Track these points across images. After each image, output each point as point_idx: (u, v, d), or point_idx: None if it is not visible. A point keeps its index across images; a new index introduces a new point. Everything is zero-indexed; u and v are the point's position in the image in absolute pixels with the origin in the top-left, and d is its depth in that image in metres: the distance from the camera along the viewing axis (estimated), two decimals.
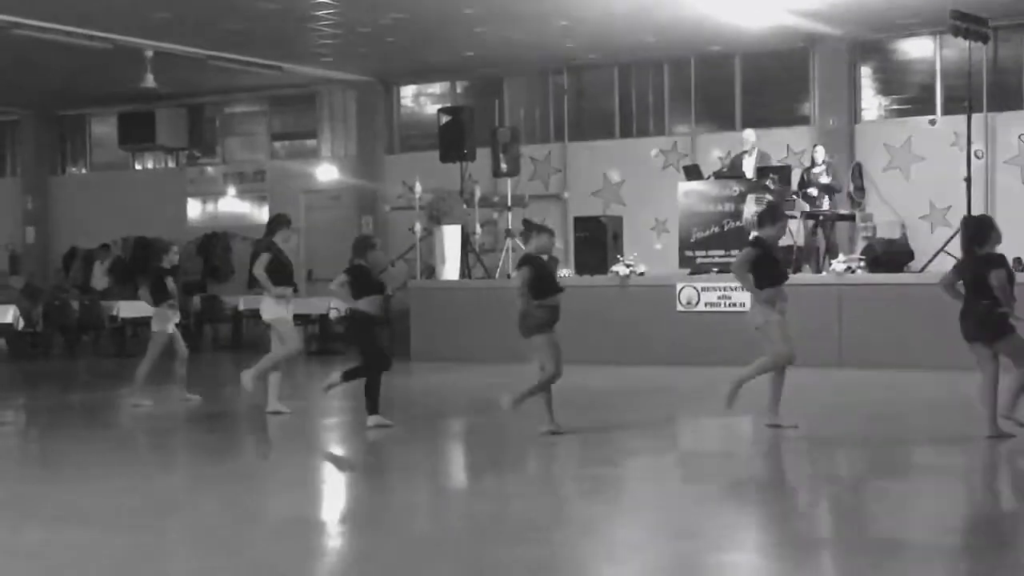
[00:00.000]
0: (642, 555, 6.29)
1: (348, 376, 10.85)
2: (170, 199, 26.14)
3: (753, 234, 10.82)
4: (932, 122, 19.02)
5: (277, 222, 12.24)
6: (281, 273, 11.80)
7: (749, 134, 17.73)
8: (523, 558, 6.13)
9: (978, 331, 9.45)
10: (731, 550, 6.41)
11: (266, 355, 11.72)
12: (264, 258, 11.76)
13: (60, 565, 6.12)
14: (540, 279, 9.95)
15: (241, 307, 20.74)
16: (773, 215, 10.87)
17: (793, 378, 11.17)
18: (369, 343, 10.95)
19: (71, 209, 27.35)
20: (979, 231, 9.71)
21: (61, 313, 20.13)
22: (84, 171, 28.16)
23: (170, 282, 13.10)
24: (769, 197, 16.26)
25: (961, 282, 9.68)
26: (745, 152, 17.52)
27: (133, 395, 12.87)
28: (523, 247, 11.07)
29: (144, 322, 21.12)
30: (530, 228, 10.40)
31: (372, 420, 10.68)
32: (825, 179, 17.45)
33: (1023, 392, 9.44)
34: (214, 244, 25.11)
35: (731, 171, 17.46)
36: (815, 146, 18.06)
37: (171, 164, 27.03)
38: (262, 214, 25.59)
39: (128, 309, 20.08)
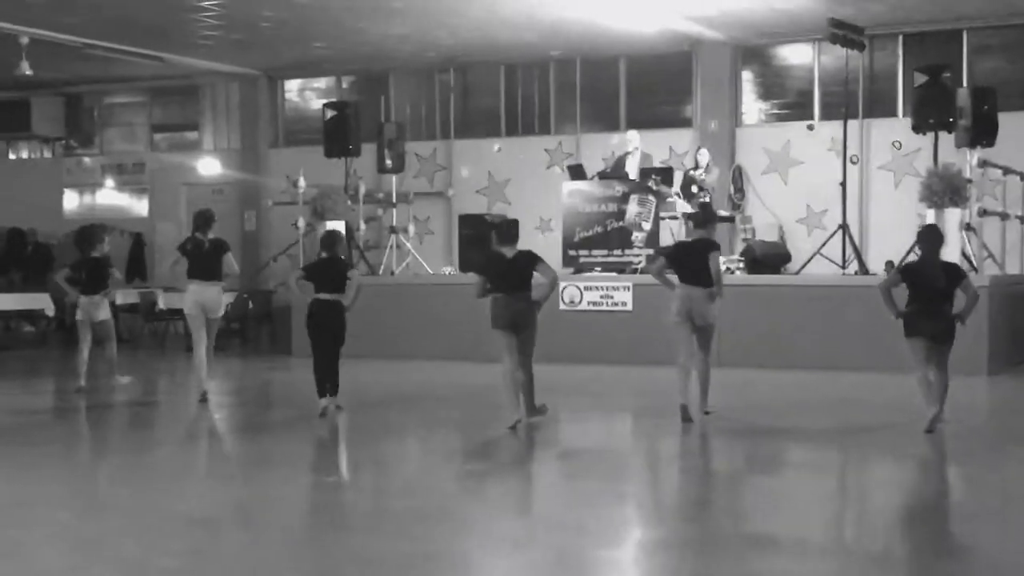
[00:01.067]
0: (524, 550, 6.32)
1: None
2: (46, 190, 25.58)
3: (700, 234, 11.07)
4: (810, 127, 19.46)
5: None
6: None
7: (633, 135, 17.92)
8: (402, 552, 6.13)
9: (950, 335, 10.06)
10: (611, 547, 6.48)
11: None
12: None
13: None
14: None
15: (119, 301, 20.27)
16: (712, 217, 11.52)
17: (667, 377, 11.33)
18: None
19: None
20: (940, 239, 10.51)
21: None
22: None
23: (115, 272, 13.75)
24: (651, 198, 16.47)
25: (903, 285, 10.20)
26: (628, 153, 17.72)
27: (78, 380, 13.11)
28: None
29: (20, 315, 20.80)
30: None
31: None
32: (708, 179, 17.68)
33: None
34: (91, 236, 24.53)
35: (614, 171, 17.63)
36: (699, 148, 18.31)
37: (47, 154, 26.43)
38: (142, 206, 25.21)
39: (1, 302, 19.60)
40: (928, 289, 10.08)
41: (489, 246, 11.33)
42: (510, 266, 10.49)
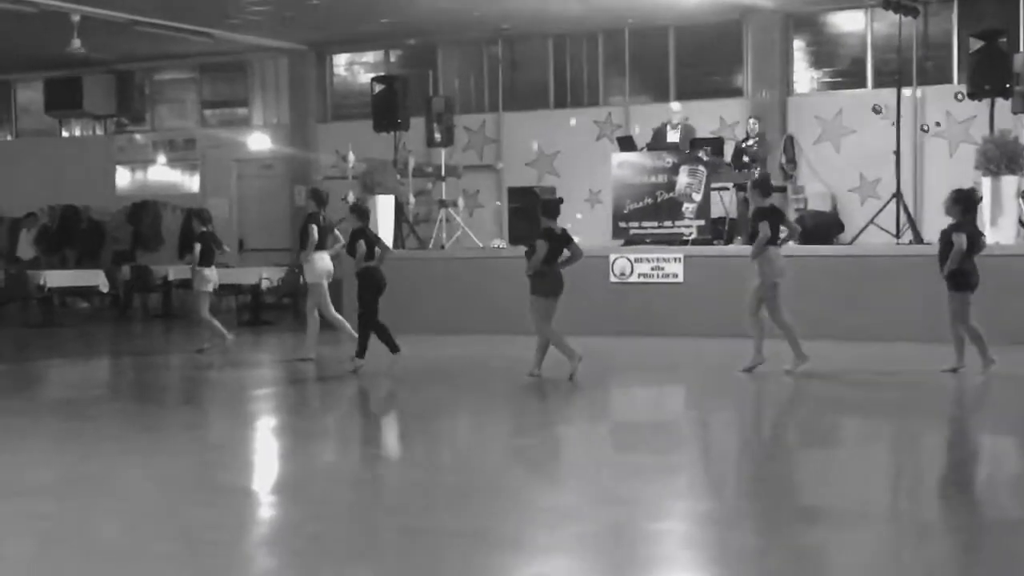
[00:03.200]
0: (574, 523, 6.35)
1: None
2: (98, 167, 25.80)
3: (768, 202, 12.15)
4: (876, 110, 19.01)
5: None
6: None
7: (675, 107, 17.84)
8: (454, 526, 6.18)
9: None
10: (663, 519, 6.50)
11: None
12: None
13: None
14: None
15: (171, 276, 20.50)
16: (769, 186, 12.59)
17: (728, 348, 11.37)
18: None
19: None
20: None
21: None
22: (10, 138, 27.71)
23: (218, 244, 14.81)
24: (702, 169, 16.40)
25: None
26: (668, 124, 17.61)
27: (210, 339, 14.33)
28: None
29: (71, 292, 21.06)
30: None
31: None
32: (760, 150, 17.58)
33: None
34: (143, 213, 24.84)
35: (654, 143, 17.54)
36: (749, 119, 18.18)
37: (99, 131, 26.65)
38: (193, 182, 25.39)
39: (56, 279, 19.83)
40: (976, 248, 11.42)
41: (538, 221, 11.66)
42: (560, 240, 11.42)
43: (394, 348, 12.40)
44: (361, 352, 12.28)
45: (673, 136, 17.23)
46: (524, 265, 11.63)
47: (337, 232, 13.61)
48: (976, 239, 11.65)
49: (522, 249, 12.07)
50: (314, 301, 13.55)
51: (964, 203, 11.68)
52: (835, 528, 6.06)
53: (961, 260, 11.38)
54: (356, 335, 12.51)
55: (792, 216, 17.93)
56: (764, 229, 11.67)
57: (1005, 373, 11.61)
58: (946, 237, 11.63)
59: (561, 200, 12.10)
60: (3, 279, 19.89)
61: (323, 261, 13.41)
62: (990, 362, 11.50)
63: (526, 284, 11.71)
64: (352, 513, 6.66)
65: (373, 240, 12.61)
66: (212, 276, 14.60)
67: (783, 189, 18.55)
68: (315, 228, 13.32)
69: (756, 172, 17.41)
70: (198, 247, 14.48)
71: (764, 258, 11.77)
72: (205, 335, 14.66)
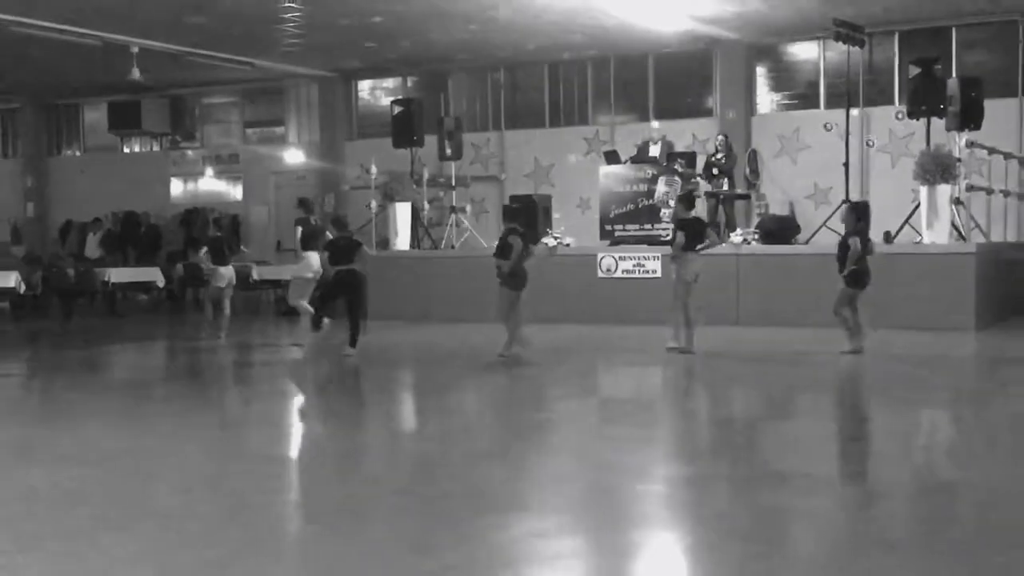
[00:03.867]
0: (568, 485, 6.32)
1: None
2: (155, 178, 25.85)
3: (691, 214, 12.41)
4: (828, 128, 18.95)
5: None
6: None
7: (656, 125, 17.82)
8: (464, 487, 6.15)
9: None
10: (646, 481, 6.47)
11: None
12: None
13: (59, 500, 6.03)
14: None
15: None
16: (692, 201, 12.72)
17: (706, 335, 11.39)
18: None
19: (66, 187, 26.94)
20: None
21: (58, 279, 19.75)
22: (78, 153, 27.71)
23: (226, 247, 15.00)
24: (678, 179, 16.35)
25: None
26: (650, 140, 17.56)
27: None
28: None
29: (132, 287, 21.05)
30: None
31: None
32: (728, 162, 17.53)
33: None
34: (195, 218, 24.83)
35: (639, 156, 17.50)
36: (718, 135, 18.15)
37: (155, 148, 26.64)
38: (237, 192, 25.37)
39: (118, 275, 19.83)
40: (867, 252, 11.69)
41: (536, 225, 11.81)
42: (526, 239, 11.91)
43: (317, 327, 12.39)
44: (353, 341, 12.23)
45: (655, 150, 17.18)
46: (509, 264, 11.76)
47: (328, 234, 13.07)
48: (867, 244, 11.81)
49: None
50: (296, 292, 13.51)
51: (857, 213, 12.02)
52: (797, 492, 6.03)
53: (857, 261, 11.60)
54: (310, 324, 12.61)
55: (754, 220, 17.93)
56: (679, 237, 11.97)
57: (899, 354, 11.60)
58: (843, 243, 11.88)
59: (522, 208, 12.55)
60: (74, 276, 19.87)
61: (309, 259, 13.22)
62: (859, 349, 11.74)
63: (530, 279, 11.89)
64: (371, 480, 6.63)
65: (349, 248, 12.30)
66: (227, 274, 14.74)
67: (747, 197, 18.52)
68: (300, 230, 13.43)
69: (724, 182, 17.40)
70: (204, 249, 14.83)
71: (681, 261, 12.01)
72: (211, 324, 14.84)
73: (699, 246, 12.13)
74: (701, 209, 17.01)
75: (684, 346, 11.91)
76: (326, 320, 12.40)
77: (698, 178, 17.03)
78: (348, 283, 12.14)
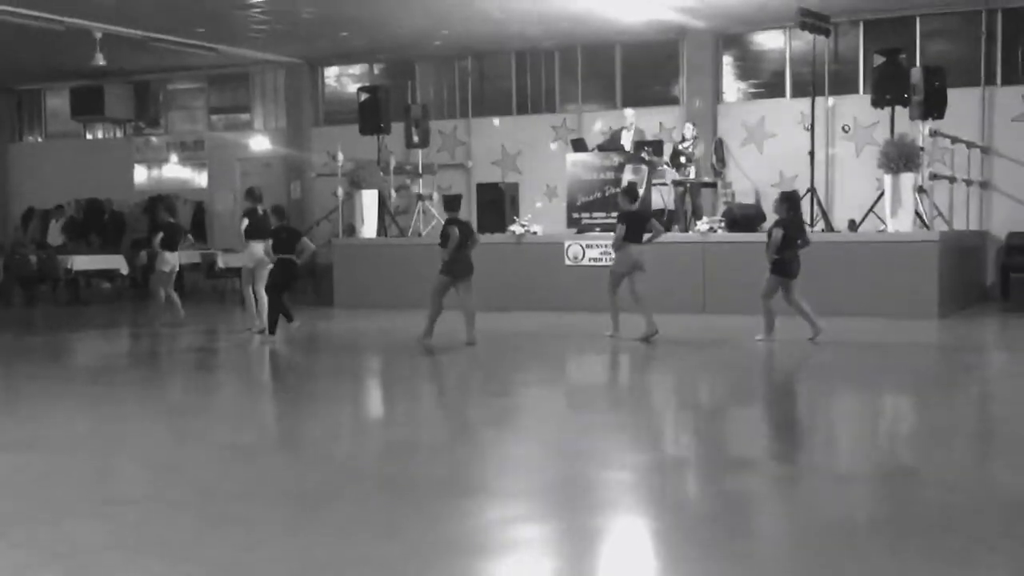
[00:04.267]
0: (535, 472, 6.35)
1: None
2: (118, 165, 25.61)
3: (634, 207, 12.59)
4: (845, 129, 19.12)
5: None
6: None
7: (629, 112, 17.83)
8: (431, 475, 6.17)
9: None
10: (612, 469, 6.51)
11: None
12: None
13: (27, 486, 6.00)
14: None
15: (181, 261, 20.27)
16: (635, 193, 12.90)
17: (666, 322, 11.40)
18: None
19: (28, 173, 26.64)
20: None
21: (20, 266, 19.60)
22: (40, 139, 27.39)
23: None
24: (644, 167, 16.40)
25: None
26: (624, 128, 17.62)
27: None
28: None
29: (95, 274, 20.88)
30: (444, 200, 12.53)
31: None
32: (695, 150, 17.58)
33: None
34: (159, 205, 24.58)
35: (611, 144, 17.54)
36: (686, 123, 18.20)
37: (119, 134, 26.39)
38: (201, 179, 25.20)
39: (81, 262, 19.67)
40: (795, 240, 11.82)
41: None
42: (466, 228, 12.19)
43: (290, 319, 12.85)
44: (272, 328, 12.71)
45: (627, 138, 17.23)
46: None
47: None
48: (798, 234, 11.95)
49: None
50: (246, 280, 13.78)
51: (789, 203, 12.15)
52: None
53: (779, 250, 11.77)
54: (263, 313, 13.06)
55: (720, 208, 18.02)
56: (619, 230, 12.23)
57: (840, 340, 11.72)
58: (771, 231, 12.07)
59: (460, 196, 12.69)
60: (35, 263, 19.69)
61: (254, 249, 13.41)
62: (818, 331, 11.88)
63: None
64: (339, 465, 6.63)
65: (290, 237, 12.71)
66: (172, 259, 14.93)
67: (714, 185, 18.60)
68: (246, 221, 13.55)
69: (691, 170, 17.45)
70: (160, 235, 14.92)
71: (622, 251, 12.25)
72: (160, 309, 14.99)
73: (646, 237, 12.33)
74: (668, 197, 17.12)
75: (613, 332, 12.42)
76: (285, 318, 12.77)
77: (664, 166, 17.09)
78: (288, 272, 12.60)
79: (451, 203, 12.35)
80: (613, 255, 12.72)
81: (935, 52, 18.39)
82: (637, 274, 12.27)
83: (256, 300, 13.54)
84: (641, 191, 16.35)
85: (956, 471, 6.26)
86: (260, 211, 13.70)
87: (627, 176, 16.35)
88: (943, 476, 6.09)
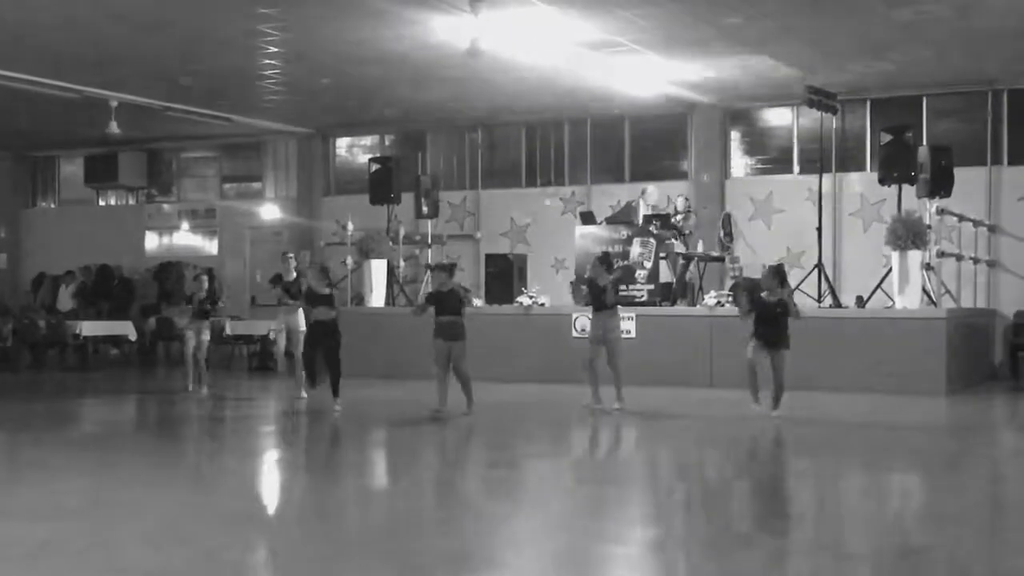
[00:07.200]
0: (540, 545, 6.32)
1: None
2: (130, 232, 25.79)
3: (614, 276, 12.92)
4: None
5: None
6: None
7: (653, 189, 18.15)
8: (439, 549, 6.14)
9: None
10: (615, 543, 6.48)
11: None
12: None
13: (30, 556, 5.98)
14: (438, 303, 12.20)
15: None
16: (610, 266, 13.08)
17: (673, 396, 11.37)
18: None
19: (41, 239, 26.83)
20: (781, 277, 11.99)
21: (29, 331, 19.68)
22: (53, 205, 27.62)
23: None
24: (652, 240, 16.50)
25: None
26: (641, 197, 17.74)
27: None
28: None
29: (104, 340, 20.94)
30: (431, 268, 12.65)
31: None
32: (685, 224, 17.74)
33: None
34: (168, 272, 24.77)
35: (622, 215, 17.64)
36: (678, 196, 18.34)
37: (132, 201, 26.61)
38: (212, 246, 25.36)
39: (90, 328, 19.75)
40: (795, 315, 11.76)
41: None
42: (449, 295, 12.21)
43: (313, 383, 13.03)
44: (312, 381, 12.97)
45: (645, 210, 17.39)
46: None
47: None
48: (790, 306, 11.83)
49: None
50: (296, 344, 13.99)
51: (780, 277, 12.01)
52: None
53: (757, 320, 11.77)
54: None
55: (728, 282, 18.07)
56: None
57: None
58: (758, 300, 11.94)
59: (450, 265, 13.01)
60: (45, 327, 19.78)
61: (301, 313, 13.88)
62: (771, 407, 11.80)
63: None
64: (349, 538, 6.61)
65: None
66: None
67: (721, 259, 18.68)
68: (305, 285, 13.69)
69: (699, 243, 17.55)
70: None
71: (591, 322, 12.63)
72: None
73: (609, 302, 12.58)
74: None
75: (591, 403, 12.45)
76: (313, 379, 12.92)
77: (672, 240, 17.18)
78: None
79: (439, 269, 12.52)
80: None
81: (941, 131, 18.56)
82: (610, 347, 12.47)
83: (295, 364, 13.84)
84: (648, 264, 16.53)
85: (966, 551, 6.22)
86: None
87: (635, 249, 16.45)
88: (954, 555, 6.04)
